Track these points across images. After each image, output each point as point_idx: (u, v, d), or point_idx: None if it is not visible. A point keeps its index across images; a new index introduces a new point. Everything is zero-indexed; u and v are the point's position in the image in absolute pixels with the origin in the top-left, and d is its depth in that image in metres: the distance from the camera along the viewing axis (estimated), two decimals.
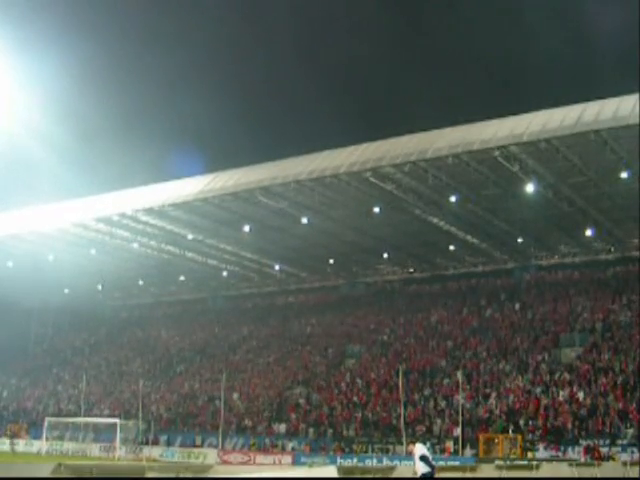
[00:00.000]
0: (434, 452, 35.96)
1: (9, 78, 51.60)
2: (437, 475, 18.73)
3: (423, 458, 18.43)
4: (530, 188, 40.72)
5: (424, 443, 20.77)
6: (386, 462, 37.20)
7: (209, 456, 44.38)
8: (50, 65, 58.41)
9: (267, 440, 46.45)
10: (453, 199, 43.59)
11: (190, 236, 54.85)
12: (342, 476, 17.48)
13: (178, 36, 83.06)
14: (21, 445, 51.94)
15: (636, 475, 25.80)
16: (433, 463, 18.46)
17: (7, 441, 51.43)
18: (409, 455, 20.21)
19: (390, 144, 41.42)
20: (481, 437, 39.31)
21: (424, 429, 42.14)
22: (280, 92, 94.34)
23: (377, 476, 19.84)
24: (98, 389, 60.96)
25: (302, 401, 49.42)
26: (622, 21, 59.04)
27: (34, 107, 54.22)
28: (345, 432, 44.86)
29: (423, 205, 46.08)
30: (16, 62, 52.86)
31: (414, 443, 19.72)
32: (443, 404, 43.82)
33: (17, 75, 52.92)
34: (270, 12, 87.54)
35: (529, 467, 28.26)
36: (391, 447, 41.88)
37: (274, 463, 41.74)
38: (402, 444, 40.03)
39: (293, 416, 48.09)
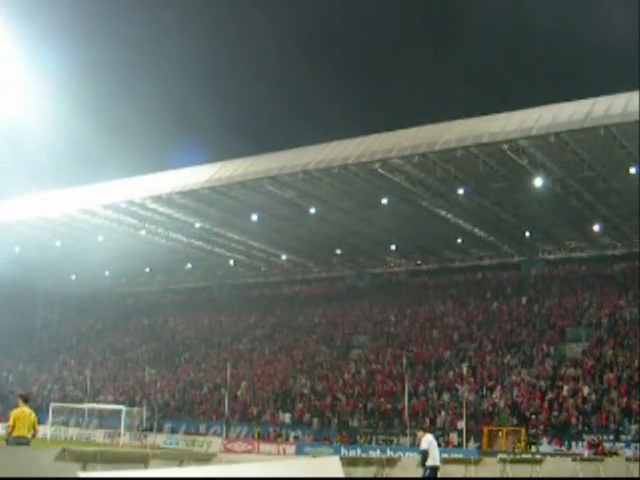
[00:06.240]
0: (438, 444, 35.91)
1: (20, 65, 51.65)
2: (440, 467, 18.65)
3: (422, 453, 18.32)
4: (538, 182, 40.62)
5: (434, 436, 20.27)
6: (390, 453, 37.27)
7: (213, 444, 44.56)
8: (60, 53, 58.50)
9: (271, 429, 46.59)
10: (461, 192, 43.50)
11: (197, 224, 54.86)
12: (345, 467, 17.39)
13: (186, 24, 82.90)
14: None
15: (637, 474, 25.67)
16: (430, 463, 18.16)
17: None
18: (417, 446, 19.95)
19: (399, 136, 41.33)
20: (485, 430, 39.34)
21: (428, 421, 42.20)
22: (289, 82, 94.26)
23: (378, 476, 19.77)
24: (103, 375, 61.20)
25: (307, 391, 49.52)
26: (634, 16, 58.67)
27: (43, 94, 54.24)
28: (349, 422, 44.98)
29: (431, 197, 46.01)
30: (27, 49, 52.93)
31: (425, 431, 19.42)
32: (447, 396, 43.87)
33: (28, 62, 52.97)
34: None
35: (532, 461, 28.17)
36: (395, 438, 41.97)
37: (278, 452, 41.89)
38: (406, 435, 40.16)
39: (298, 406, 48.21)
